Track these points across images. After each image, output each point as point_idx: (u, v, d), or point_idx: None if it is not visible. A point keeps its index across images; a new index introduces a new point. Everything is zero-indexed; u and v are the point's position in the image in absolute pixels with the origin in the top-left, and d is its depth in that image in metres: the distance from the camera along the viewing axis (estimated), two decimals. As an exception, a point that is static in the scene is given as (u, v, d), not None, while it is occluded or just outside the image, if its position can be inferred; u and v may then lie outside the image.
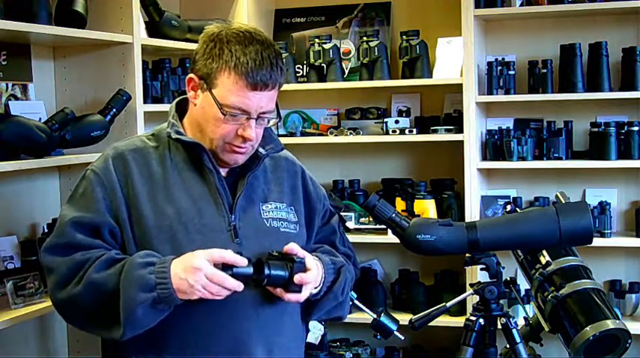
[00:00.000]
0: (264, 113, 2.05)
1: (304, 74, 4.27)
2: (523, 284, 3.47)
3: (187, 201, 2.05)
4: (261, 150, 2.15)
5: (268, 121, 2.09)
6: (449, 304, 2.73)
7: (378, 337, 2.59)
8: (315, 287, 2.09)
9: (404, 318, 2.73)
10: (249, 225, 2.10)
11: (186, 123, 2.14)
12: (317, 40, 4.15)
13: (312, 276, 2.05)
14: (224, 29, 2.05)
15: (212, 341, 2.03)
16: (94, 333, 2.09)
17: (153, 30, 3.50)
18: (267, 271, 1.98)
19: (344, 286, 2.17)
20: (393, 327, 2.56)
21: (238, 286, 1.93)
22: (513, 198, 3.98)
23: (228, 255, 1.93)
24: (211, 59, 2.03)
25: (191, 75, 2.08)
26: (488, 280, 2.62)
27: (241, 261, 1.94)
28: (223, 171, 2.13)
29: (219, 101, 2.02)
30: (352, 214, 4.00)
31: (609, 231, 3.80)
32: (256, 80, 2.00)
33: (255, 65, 2.00)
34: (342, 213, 3.95)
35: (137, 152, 2.10)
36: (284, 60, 2.10)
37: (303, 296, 2.05)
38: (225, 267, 1.94)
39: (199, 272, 1.90)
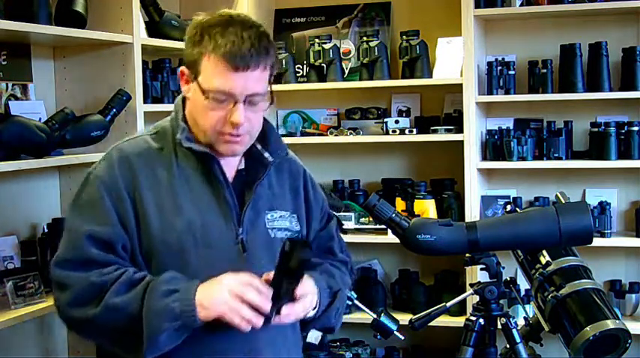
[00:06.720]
0: (252, 95, 1.94)
1: (304, 74, 4.27)
2: (523, 284, 3.46)
3: (195, 213, 1.97)
4: (267, 155, 2.09)
5: (259, 104, 1.97)
6: (449, 304, 2.73)
7: (378, 337, 2.58)
8: (313, 308, 2.04)
9: (404, 318, 2.72)
10: (256, 237, 2.03)
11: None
12: (317, 40, 4.15)
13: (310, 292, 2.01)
14: (208, 15, 1.98)
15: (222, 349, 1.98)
16: (109, 349, 1.99)
17: (153, 30, 3.50)
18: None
19: (338, 309, 2.14)
20: (393, 327, 2.56)
21: (261, 301, 1.87)
22: (513, 198, 3.97)
23: (254, 298, 1.88)
24: (194, 46, 1.96)
25: (182, 67, 2.01)
26: (488, 280, 2.62)
27: (265, 307, 1.88)
28: (230, 176, 2.04)
29: (202, 87, 1.94)
30: (352, 214, 4.00)
31: (609, 231, 3.80)
32: (236, 60, 1.90)
33: (234, 45, 1.90)
34: (342, 213, 3.97)
35: (142, 156, 2.00)
36: (270, 39, 1.99)
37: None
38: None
39: (225, 290, 1.86)
